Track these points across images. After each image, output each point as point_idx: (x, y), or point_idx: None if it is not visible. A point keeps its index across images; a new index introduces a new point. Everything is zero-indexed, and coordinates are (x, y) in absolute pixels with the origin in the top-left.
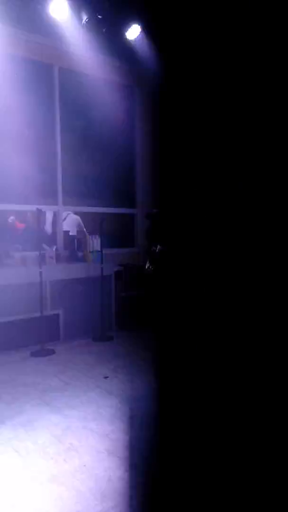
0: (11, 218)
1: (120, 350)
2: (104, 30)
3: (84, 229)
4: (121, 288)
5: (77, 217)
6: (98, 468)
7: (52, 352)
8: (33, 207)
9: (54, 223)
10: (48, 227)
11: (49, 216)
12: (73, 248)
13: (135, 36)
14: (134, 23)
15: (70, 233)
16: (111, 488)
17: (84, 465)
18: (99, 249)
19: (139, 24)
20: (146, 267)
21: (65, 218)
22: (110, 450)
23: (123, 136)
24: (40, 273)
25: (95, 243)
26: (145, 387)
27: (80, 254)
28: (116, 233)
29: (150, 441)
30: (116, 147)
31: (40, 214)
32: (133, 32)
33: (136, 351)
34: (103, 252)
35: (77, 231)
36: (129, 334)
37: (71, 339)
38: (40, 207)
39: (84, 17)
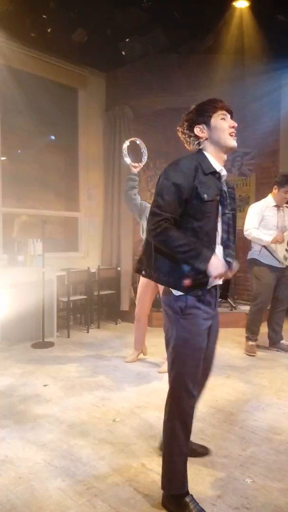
0: None
1: (60, 357)
2: (49, 30)
3: None
4: (64, 293)
5: (26, 219)
6: (34, 480)
7: None
8: None
9: None
10: None
11: None
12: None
13: (82, 39)
14: (80, 26)
15: (14, 236)
16: (47, 499)
17: (20, 477)
18: (40, 253)
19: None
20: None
21: None
22: (47, 460)
23: (68, 138)
24: None
25: (36, 246)
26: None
27: (20, 258)
28: (59, 237)
29: (89, 449)
30: (61, 149)
31: None
32: (80, 34)
33: (77, 358)
34: (45, 256)
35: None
36: (71, 341)
37: (10, 345)
38: None
39: None
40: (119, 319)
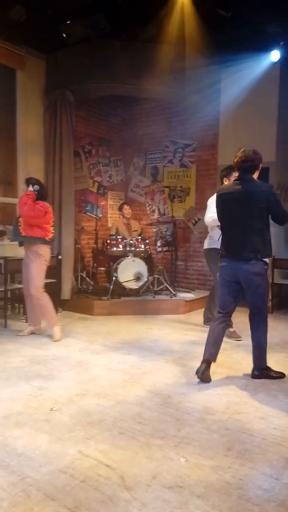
0: None
1: None
2: None
3: None
4: (1, 282)
5: None
6: None
7: None
8: None
9: None
10: None
11: None
12: None
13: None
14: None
15: None
16: None
17: None
18: None
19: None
20: None
21: None
22: None
23: (5, 120)
24: None
25: None
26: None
27: None
28: None
29: (25, 439)
30: None
31: None
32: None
33: (14, 348)
34: None
35: None
36: (8, 331)
37: None
38: None
39: None
40: (59, 308)
